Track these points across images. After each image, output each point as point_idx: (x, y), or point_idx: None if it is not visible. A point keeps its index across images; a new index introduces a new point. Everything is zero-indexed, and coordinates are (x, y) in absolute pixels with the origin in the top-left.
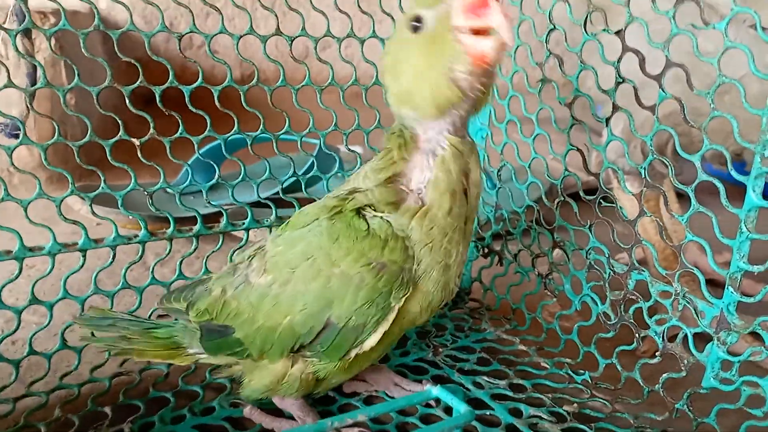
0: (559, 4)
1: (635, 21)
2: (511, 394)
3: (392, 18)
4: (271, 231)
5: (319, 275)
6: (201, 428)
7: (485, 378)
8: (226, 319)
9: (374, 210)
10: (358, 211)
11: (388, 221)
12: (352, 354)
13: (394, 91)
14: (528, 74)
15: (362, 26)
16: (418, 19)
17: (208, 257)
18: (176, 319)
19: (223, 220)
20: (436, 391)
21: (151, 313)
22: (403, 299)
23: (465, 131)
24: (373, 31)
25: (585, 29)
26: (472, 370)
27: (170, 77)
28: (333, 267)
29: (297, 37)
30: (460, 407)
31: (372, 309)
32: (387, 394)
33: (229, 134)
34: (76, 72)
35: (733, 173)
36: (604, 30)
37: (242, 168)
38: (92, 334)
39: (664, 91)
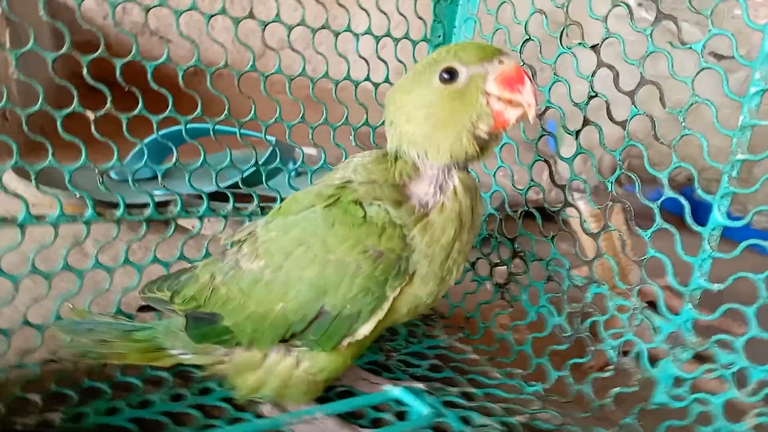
0: (535, 15)
1: (612, 36)
2: (462, 402)
3: (368, 13)
4: (226, 221)
5: (313, 262)
6: (138, 422)
7: (437, 384)
8: (214, 306)
9: (376, 200)
10: (356, 200)
11: (386, 209)
12: (345, 343)
13: (406, 132)
14: None
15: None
16: (451, 72)
17: (156, 246)
18: (159, 316)
19: (177, 206)
20: (397, 391)
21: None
22: (399, 289)
23: (467, 167)
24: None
25: (561, 42)
26: (424, 377)
27: (134, 51)
28: (328, 254)
29: (270, 22)
30: (423, 409)
31: (367, 297)
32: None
33: (191, 117)
34: (32, 34)
35: (700, 192)
36: (579, 44)
37: (203, 154)
38: (69, 341)
39: (636, 107)
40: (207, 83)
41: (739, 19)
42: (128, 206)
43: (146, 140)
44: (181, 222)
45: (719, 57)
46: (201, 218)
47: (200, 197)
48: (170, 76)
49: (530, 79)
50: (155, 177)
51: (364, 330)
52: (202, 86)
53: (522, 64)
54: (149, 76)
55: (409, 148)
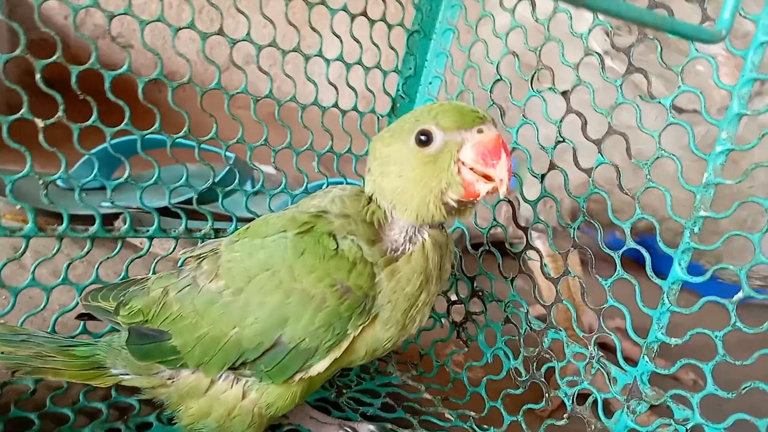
0: (508, 56)
1: (582, 84)
2: None
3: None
4: (177, 242)
5: (277, 289)
6: None
7: (388, 426)
8: (162, 323)
9: (350, 236)
10: (330, 232)
11: (359, 245)
12: (296, 378)
13: (379, 184)
14: None
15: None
16: (427, 135)
17: (100, 264)
18: (95, 342)
19: (126, 224)
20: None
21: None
22: (360, 328)
23: (443, 224)
24: (320, 50)
25: (531, 85)
26: (376, 416)
27: (93, 58)
28: (294, 283)
29: (240, 41)
30: None
31: (328, 333)
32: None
33: (148, 131)
34: None
35: (661, 245)
36: (550, 89)
37: (156, 168)
38: (1, 353)
39: (602, 155)
40: (168, 96)
41: (702, 75)
42: (72, 218)
43: (95, 149)
44: (129, 238)
45: (679, 110)
46: (150, 239)
47: (176, 215)
48: (129, 85)
49: (507, 153)
50: (103, 187)
51: (319, 367)
52: (161, 98)
53: (491, 104)
54: (107, 86)
55: (380, 199)
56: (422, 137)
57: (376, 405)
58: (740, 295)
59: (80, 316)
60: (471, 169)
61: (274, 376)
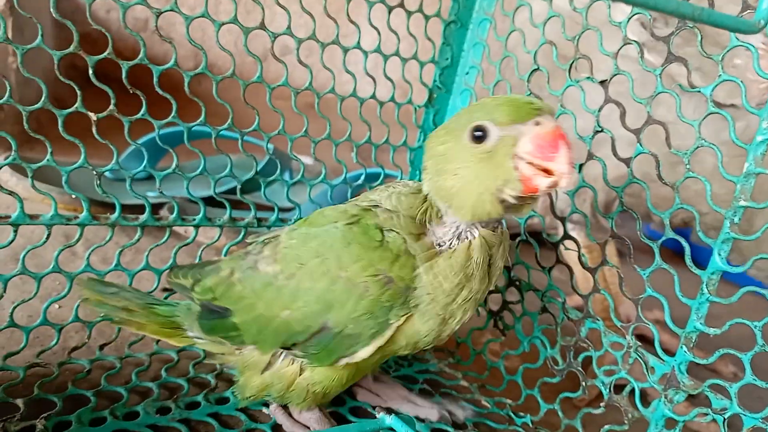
0: (545, 46)
1: (620, 74)
2: (451, 431)
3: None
4: (221, 231)
5: (324, 276)
6: None
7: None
8: (227, 301)
9: (394, 229)
10: (377, 224)
11: (403, 238)
12: (342, 362)
13: (435, 183)
14: None
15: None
16: (482, 131)
17: (150, 251)
18: (177, 303)
19: (174, 213)
20: (390, 420)
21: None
22: (403, 318)
23: (500, 223)
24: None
25: (569, 74)
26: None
27: (141, 54)
28: (340, 270)
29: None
30: None
31: (370, 321)
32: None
33: (195, 123)
34: (39, 30)
35: (701, 235)
36: (588, 78)
37: (203, 160)
38: (95, 301)
39: (641, 145)
40: (212, 89)
41: (740, 68)
42: (123, 208)
43: (142, 139)
44: (176, 227)
45: (718, 105)
46: (197, 227)
47: (195, 202)
48: (169, 79)
49: (567, 144)
50: (149, 177)
51: (363, 353)
52: (201, 90)
53: (528, 94)
54: (155, 80)
55: (436, 198)
56: (476, 133)
57: (414, 391)
58: None
59: (165, 290)
60: (529, 163)
61: (321, 358)
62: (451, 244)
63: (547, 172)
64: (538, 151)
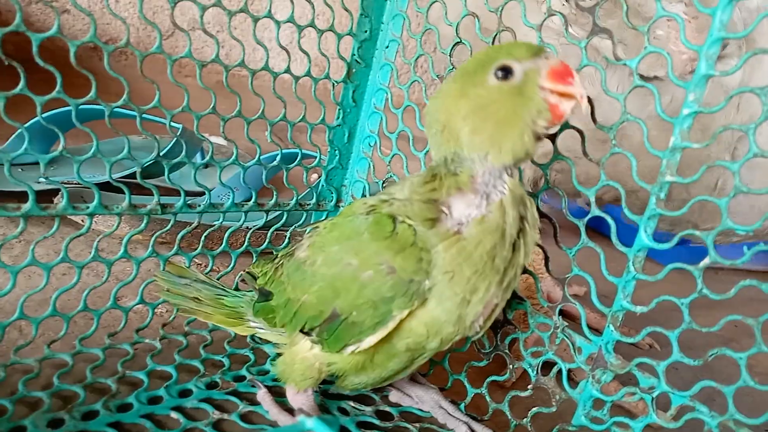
0: (467, 17)
1: (546, 46)
2: (377, 422)
3: (291, 0)
4: (120, 219)
5: (337, 263)
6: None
7: (351, 404)
8: (272, 285)
9: (408, 218)
10: (391, 214)
11: (414, 229)
12: (349, 350)
13: (465, 136)
14: (427, 86)
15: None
16: (506, 69)
17: (36, 243)
18: (244, 294)
19: (63, 201)
20: (310, 423)
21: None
22: (407, 312)
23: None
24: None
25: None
26: (338, 395)
27: (17, 20)
28: (351, 258)
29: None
30: None
31: (371, 310)
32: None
33: (83, 99)
34: None
35: (626, 212)
36: None
37: (95, 141)
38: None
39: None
40: (104, 62)
41: (662, 39)
42: (6, 195)
43: (29, 123)
44: (70, 216)
45: (642, 78)
46: (91, 216)
47: (119, 190)
48: (64, 52)
49: (576, 71)
50: (52, 162)
51: (370, 341)
52: (97, 65)
53: (450, 68)
54: (35, 50)
55: (470, 152)
56: (502, 72)
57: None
58: (706, 261)
59: (242, 282)
60: (552, 92)
61: (331, 344)
62: (481, 210)
63: (568, 96)
64: (558, 79)
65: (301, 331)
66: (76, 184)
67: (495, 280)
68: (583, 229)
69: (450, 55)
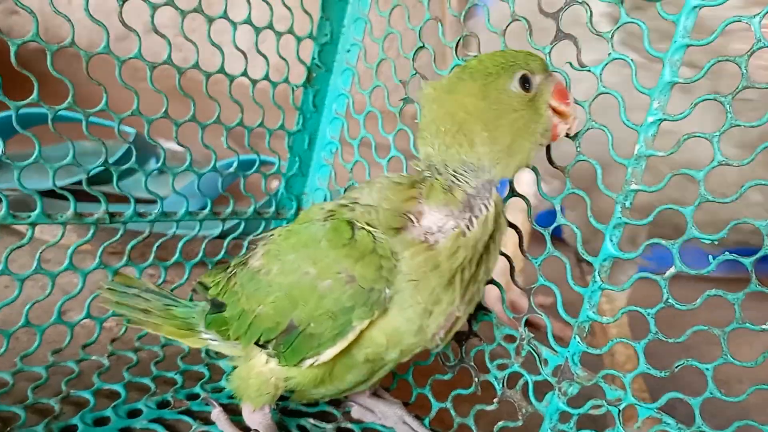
0: (430, 22)
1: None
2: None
3: (248, 1)
4: (65, 229)
5: (294, 272)
6: None
7: (311, 421)
8: (225, 295)
9: (369, 225)
10: (350, 221)
11: (373, 236)
12: (307, 363)
13: (481, 141)
14: (390, 92)
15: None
16: (527, 80)
17: None
18: (196, 304)
19: (3, 209)
20: None
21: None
22: (367, 322)
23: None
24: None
25: (456, 52)
26: (297, 411)
27: None
28: (308, 267)
29: None
30: None
31: (330, 321)
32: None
33: (23, 102)
34: None
35: (592, 221)
36: (475, 56)
37: (37, 146)
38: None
39: None
40: (47, 63)
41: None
42: None
43: None
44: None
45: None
46: (33, 225)
47: (64, 198)
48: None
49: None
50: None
51: (329, 353)
52: (40, 67)
53: (413, 73)
54: None
55: (480, 161)
56: (523, 81)
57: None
58: (672, 270)
59: (193, 292)
60: (553, 110)
61: (288, 357)
62: (459, 222)
63: (563, 117)
64: (561, 98)
65: (257, 343)
66: (19, 191)
67: (459, 293)
68: (548, 238)
69: (413, 60)
